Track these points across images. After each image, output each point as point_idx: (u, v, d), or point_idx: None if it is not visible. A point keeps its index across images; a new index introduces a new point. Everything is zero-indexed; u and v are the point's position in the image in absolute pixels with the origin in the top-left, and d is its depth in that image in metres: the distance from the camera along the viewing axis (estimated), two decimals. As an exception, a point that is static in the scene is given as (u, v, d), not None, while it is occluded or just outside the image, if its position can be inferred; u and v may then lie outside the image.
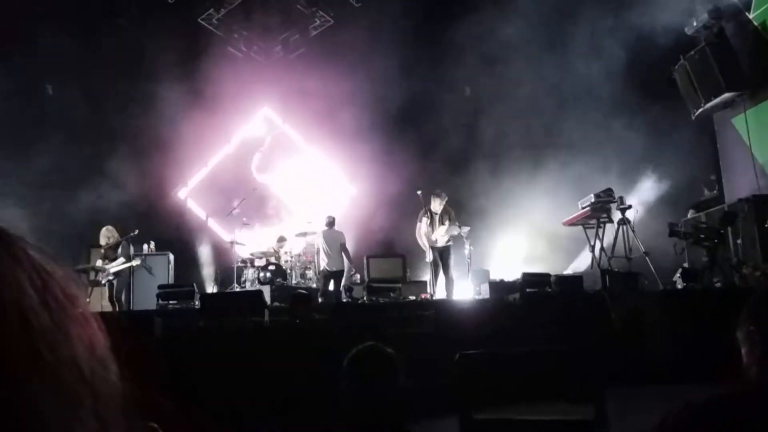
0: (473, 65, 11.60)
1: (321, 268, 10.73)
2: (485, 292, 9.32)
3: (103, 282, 9.64)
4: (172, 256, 11.45)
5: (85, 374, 0.52)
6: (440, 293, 9.52)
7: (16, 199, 10.85)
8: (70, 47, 11.03)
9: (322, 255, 10.58)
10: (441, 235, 9.46)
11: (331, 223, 10.65)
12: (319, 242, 10.68)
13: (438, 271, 9.47)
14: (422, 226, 9.45)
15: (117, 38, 11.84)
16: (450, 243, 9.63)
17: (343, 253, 10.38)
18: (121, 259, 9.52)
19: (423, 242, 9.50)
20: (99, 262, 9.69)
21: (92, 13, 11.77)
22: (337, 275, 10.39)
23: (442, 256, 9.52)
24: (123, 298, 9.65)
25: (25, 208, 10.72)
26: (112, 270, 9.46)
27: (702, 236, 8.82)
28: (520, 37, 10.86)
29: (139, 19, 12.18)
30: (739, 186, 10.23)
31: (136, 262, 9.79)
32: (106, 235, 9.69)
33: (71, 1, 11.49)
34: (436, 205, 9.39)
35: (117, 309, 9.54)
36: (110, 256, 9.64)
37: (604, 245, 9.34)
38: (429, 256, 9.47)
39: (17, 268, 0.51)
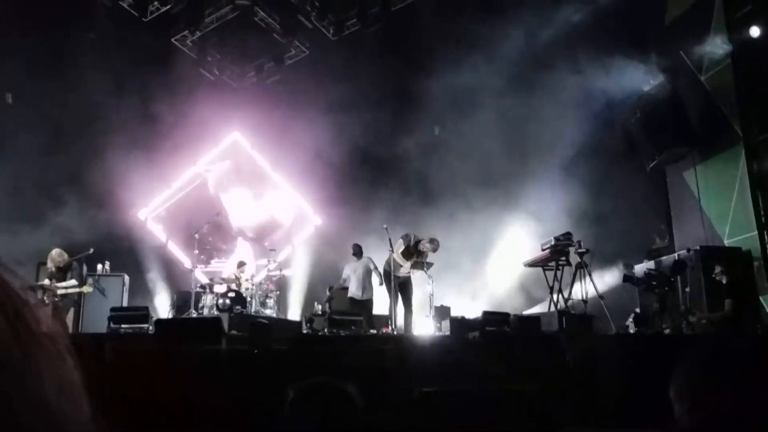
0: (444, 106, 11.94)
1: (349, 296, 10.66)
2: (446, 329, 9.46)
3: (47, 302, 9.41)
4: (127, 278, 11.28)
5: (55, 417, 0.48)
6: (399, 322, 9.72)
7: None
8: (35, 58, 10.93)
9: (352, 283, 10.59)
10: (408, 268, 9.70)
11: (357, 252, 10.75)
12: (349, 272, 10.70)
13: (397, 300, 9.66)
14: (398, 249, 9.67)
15: (86, 53, 11.74)
16: (410, 274, 9.86)
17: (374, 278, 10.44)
18: (73, 281, 9.31)
19: (398, 260, 9.73)
20: (47, 281, 9.48)
21: (61, 25, 11.68)
22: (365, 304, 10.43)
23: (404, 287, 9.71)
24: (70, 320, 9.46)
25: None
26: (60, 292, 9.23)
27: (653, 283, 9.20)
28: (488, 84, 11.27)
29: (111, 35, 12.13)
30: (688, 236, 10.75)
31: (88, 289, 9.59)
32: (57, 260, 9.34)
33: (41, 10, 11.38)
34: (425, 250, 9.69)
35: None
36: (59, 277, 9.43)
37: (562, 287, 9.62)
38: (406, 266, 9.68)
39: None
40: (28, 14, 11.00)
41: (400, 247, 9.80)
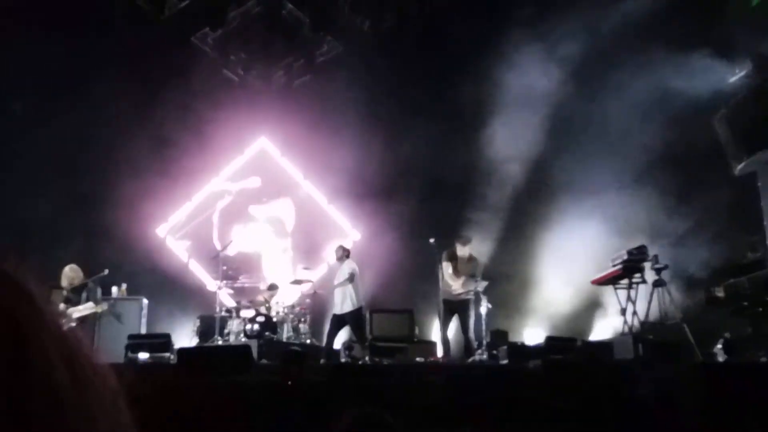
0: (496, 108, 11.95)
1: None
2: (503, 357, 9.44)
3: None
4: (145, 302, 11.54)
5: None
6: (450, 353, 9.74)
7: None
8: (45, 64, 11.30)
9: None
10: (460, 286, 9.73)
11: (341, 257, 10.95)
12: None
13: (448, 326, 9.68)
14: (446, 270, 9.74)
15: (98, 56, 12.10)
16: (471, 296, 9.89)
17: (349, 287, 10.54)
18: (89, 304, 9.60)
19: (450, 281, 9.78)
20: (61, 306, 9.80)
21: (71, 28, 12.04)
22: (346, 319, 10.52)
23: (460, 310, 9.73)
24: None
25: None
26: (75, 315, 9.52)
27: (745, 303, 8.99)
28: (544, 84, 11.28)
29: (125, 36, 12.51)
30: (786, 248, 10.44)
31: (101, 308, 9.87)
32: (70, 275, 9.69)
33: (49, 10, 11.76)
34: (464, 251, 9.71)
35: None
36: (74, 299, 9.72)
37: (637, 309, 9.49)
38: (457, 285, 9.71)
39: (43, 333, 0.52)
40: (33, 17, 11.36)
41: (447, 267, 9.85)
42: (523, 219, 12.06)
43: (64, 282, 9.58)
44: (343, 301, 10.56)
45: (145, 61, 12.28)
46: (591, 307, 11.37)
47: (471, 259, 10.04)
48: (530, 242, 11.87)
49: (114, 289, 11.30)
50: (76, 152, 12.05)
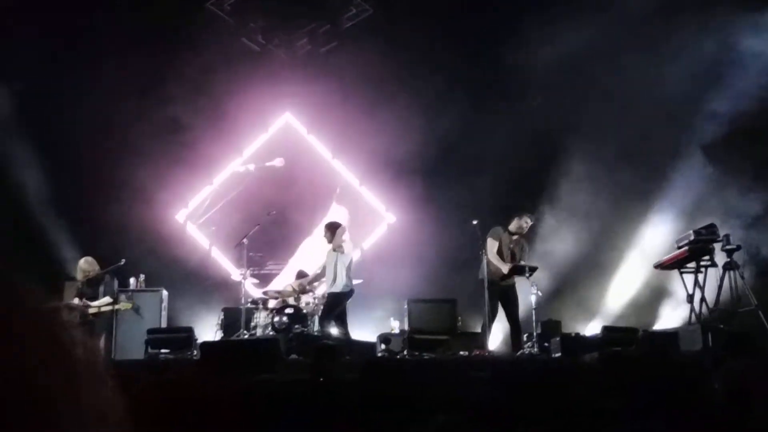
0: (543, 69, 11.81)
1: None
2: (555, 350, 9.41)
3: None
4: (165, 294, 11.71)
5: None
6: (496, 343, 9.73)
7: None
8: (47, 40, 11.44)
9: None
10: (507, 268, 9.71)
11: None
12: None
13: (495, 315, 9.66)
14: (490, 249, 9.71)
15: (105, 30, 12.13)
16: (514, 280, 9.87)
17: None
18: (106, 298, 9.81)
19: (497, 262, 9.74)
20: (75, 300, 10.02)
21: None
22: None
23: (506, 297, 9.71)
24: (102, 344, 9.96)
25: None
26: (92, 310, 9.75)
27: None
28: (601, 46, 11.10)
29: (133, 4, 12.55)
30: None
31: (125, 306, 10.07)
32: (85, 268, 9.93)
33: None
34: (516, 228, 9.69)
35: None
36: (89, 292, 9.95)
37: (706, 295, 9.36)
38: (505, 268, 9.67)
39: (29, 335, 0.56)
40: None
41: (492, 246, 9.79)
42: (575, 197, 11.92)
43: (79, 275, 9.84)
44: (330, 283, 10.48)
45: (156, 32, 12.35)
46: (654, 294, 11.25)
47: (519, 242, 9.97)
48: (584, 223, 11.73)
49: (132, 280, 11.49)
50: (85, 135, 12.20)
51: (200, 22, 13.04)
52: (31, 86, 12.04)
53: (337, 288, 10.36)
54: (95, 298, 9.79)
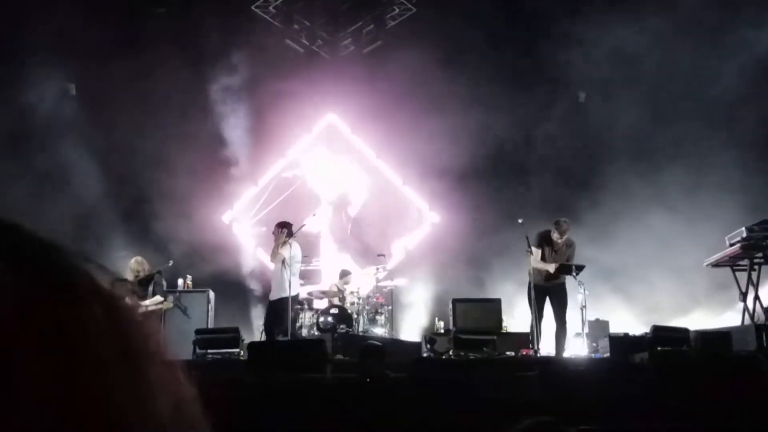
0: (590, 67, 11.71)
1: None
2: (604, 350, 9.32)
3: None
4: (212, 294, 11.87)
5: None
6: (543, 343, 9.66)
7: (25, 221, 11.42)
8: (98, 41, 11.58)
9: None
10: (553, 268, 9.66)
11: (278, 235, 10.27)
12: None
13: (542, 314, 9.60)
14: (535, 256, 9.68)
15: (155, 31, 12.39)
16: (563, 279, 9.80)
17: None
18: (157, 297, 10.01)
19: (540, 266, 9.72)
20: (126, 300, 10.24)
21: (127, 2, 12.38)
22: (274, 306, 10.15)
23: (555, 297, 9.65)
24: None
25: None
26: (141, 310, 9.97)
27: None
28: (650, 37, 10.96)
29: (183, 7, 12.76)
30: None
31: (167, 305, 10.25)
32: (136, 268, 10.15)
33: None
34: (558, 236, 9.65)
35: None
36: (139, 292, 10.16)
37: (760, 293, 9.20)
38: (551, 268, 9.64)
39: (96, 333, 0.54)
40: None
41: (537, 254, 9.76)
42: (624, 195, 11.80)
43: (130, 275, 10.03)
44: (278, 288, 10.15)
45: (203, 33, 12.53)
46: (705, 293, 11.06)
47: (568, 244, 9.91)
48: (633, 220, 11.59)
49: (179, 281, 11.66)
50: (132, 137, 12.42)
51: (245, 23, 13.18)
52: (83, 91, 12.33)
53: (285, 293, 10.04)
54: (145, 297, 9.98)
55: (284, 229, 10.15)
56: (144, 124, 12.49)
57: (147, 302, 9.89)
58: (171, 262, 10.77)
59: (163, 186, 12.25)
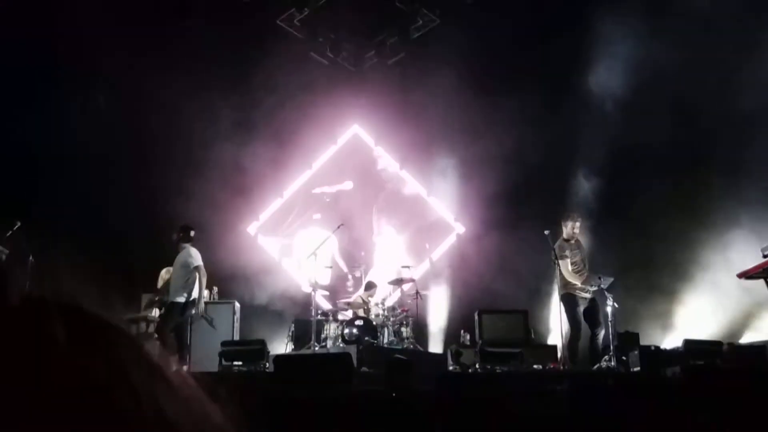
0: (622, 70, 11.61)
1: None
2: (634, 363, 9.18)
3: (156, 335, 10.27)
4: (237, 306, 11.88)
5: None
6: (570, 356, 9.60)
7: (51, 236, 11.40)
8: (122, 52, 11.58)
9: None
10: (580, 281, 9.58)
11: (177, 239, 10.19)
12: None
13: (579, 327, 9.52)
14: (567, 265, 9.60)
15: (178, 44, 12.45)
16: (591, 293, 9.75)
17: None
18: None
19: (570, 278, 9.60)
20: (155, 312, 10.33)
21: (149, 13, 12.39)
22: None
23: (591, 309, 9.58)
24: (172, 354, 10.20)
25: (58, 245, 11.26)
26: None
27: None
28: (698, 34, 10.85)
29: (208, 20, 12.84)
30: None
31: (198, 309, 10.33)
32: (166, 278, 10.33)
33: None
34: (569, 234, 9.57)
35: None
36: (166, 304, 10.27)
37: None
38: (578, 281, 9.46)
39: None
40: (111, 6, 11.73)
41: (566, 265, 9.68)
42: (653, 207, 11.68)
43: (160, 284, 10.17)
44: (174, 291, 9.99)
45: (229, 47, 12.62)
46: (738, 305, 10.88)
47: (578, 245, 9.83)
48: (663, 233, 11.45)
49: (205, 292, 11.68)
50: (157, 147, 12.49)
51: (270, 37, 13.26)
52: (108, 95, 12.44)
53: (182, 297, 9.95)
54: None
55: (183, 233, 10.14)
56: (169, 133, 12.54)
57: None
58: (196, 274, 10.84)
59: (189, 197, 12.27)
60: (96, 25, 11.09)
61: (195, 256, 9.97)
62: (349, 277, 12.58)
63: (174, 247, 10.15)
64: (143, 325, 10.38)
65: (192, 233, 10.20)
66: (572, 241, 10.04)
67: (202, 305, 9.91)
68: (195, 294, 9.94)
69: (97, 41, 11.28)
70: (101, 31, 11.21)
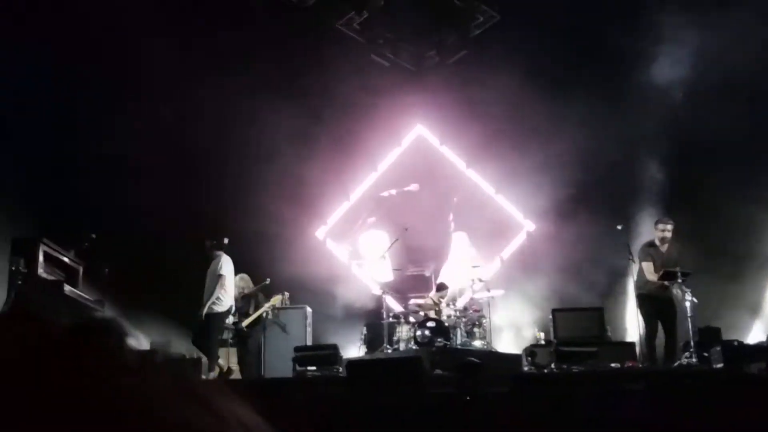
0: (688, 57, 11.29)
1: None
2: (716, 360, 8.90)
3: (232, 341, 10.49)
4: (309, 310, 12.00)
5: None
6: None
7: (122, 249, 11.61)
8: (181, 58, 11.75)
9: None
10: (657, 278, 9.38)
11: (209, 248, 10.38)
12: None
13: (656, 329, 9.32)
14: (646, 269, 9.44)
15: (237, 50, 12.56)
16: (671, 291, 9.56)
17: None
18: (262, 308, 10.44)
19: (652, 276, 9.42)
20: (229, 319, 10.56)
21: (208, 18, 12.55)
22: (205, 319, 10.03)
23: (666, 309, 9.38)
24: (252, 360, 10.45)
25: (130, 258, 11.53)
26: (245, 324, 10.31)
27: None
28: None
29: (265, 27, 12.99)
30: None
31: (275, 300, 10.79)
32: (241, 285, 10.57)
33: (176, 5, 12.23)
34: (659, 239, 9.39)
35: (246, 374, 10.34)
36: (243, 308, 10.50)
37: None
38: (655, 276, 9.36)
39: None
40: (171, 11, 11.85)
41: (648, 267, 9.49)
42: (731, 199, 11.32)
43: (235, 291, 10.40)
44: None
45: (289, 52, 12.76)
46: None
47: (671, 248, 9.60)
48: (743, 225, 11.09)
49: (272, 297, 11.86)
50: (224, 155, 12.73)
51: (329, 41, 13.35)
52: (164, 101, 12.69)
53: (222, 307, 10.13)
54: (248, 313, 10.34)
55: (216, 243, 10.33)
56: (231, 139, 12.75)
57: (251, 318, 10.45)
58: (268, 280, 11.05)
59: (255, 203, 12.46)
60: (153, 35, 11.31)
61: (224, 265, 10.19)
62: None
63: (208, 254, 10.35)
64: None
65: (225, 240, 10.40)
66: (660, 246, 9.80)
67: (205, 309, 10.00)
68: (231, 302, 10.20)
69: (154, 53, 11.49)
70: (158, 43, 11.39)
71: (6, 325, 0.60)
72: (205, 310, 9.93)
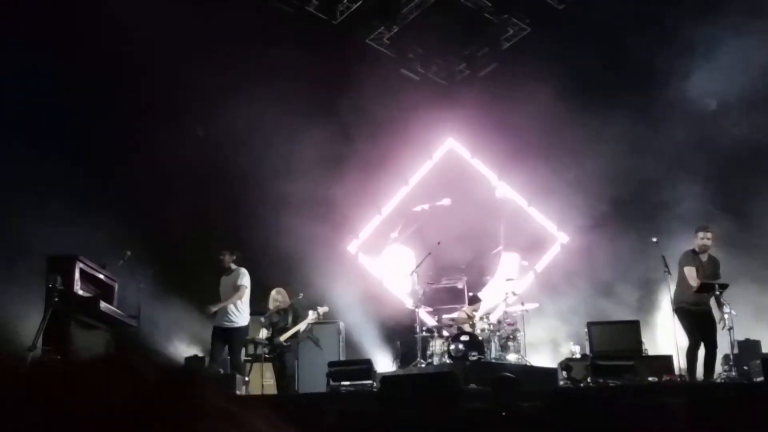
0: (724, 68, 11.20)
1: None
2: (756, 373, 8.75)
3: (269, 355, 10.54)
4: (342, 325, 12.03)
5: None
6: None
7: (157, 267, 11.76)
8: (214, 75, 11.85)
9: None
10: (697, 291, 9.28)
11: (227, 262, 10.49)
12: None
13: (698, 341, 9.20)
14: (692, 272, 9.33)
15: (269, 66, 12.64)
16: (710, 307, 9.43)
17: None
18: (297, 327, 10.45)
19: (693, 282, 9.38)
20: (263, 333, 10.61)
21: (240, 35, 12.65)
22: (227, 334, 10.18)
23: (706, 322, 9.26)
24: (289, 375, 10.48)
25: (163, 270, 11.65)
26: (283, 338, 10.38)
27: None
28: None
29: (296, 43, 13.09)
30: None
31: (312, 317, 10.71)
32: (278, 299, 10.66)
33: (214, 21, 12.22)
34: (700, 247, 9.29)
35: (284, 389, 10.38)
36: (280, 322, 10.54)
37: None
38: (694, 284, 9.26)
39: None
40: (197, 37, 12.07)
41: (691, 272, 9.36)
42: (764, 204, 11.18)
43: (271, 304, 10.57)
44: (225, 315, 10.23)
45: (320, 68, 12.82)
46: None
47: (710, 260, 9.48)
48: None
49: (309, 313, 11.87)
50: (256, 171, 12.81)
51: (362, 56, 13.44)
52: (197, 119, 12.86)
53: (244, 321, 10.33)
54: (285, 328, 10.38)
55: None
56: (264, 155, 12.82)
57: (288, 333, 10.37)
58: (301, 295, 11.08)
59: (288, 219, 12.53)
60: (186, 57, 11.48)
61: (243, 278, 10.35)
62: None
63: (225, 267, 10.49)
64: (251, 347, 10.64)
65: (238, 254, 10.60)
66: (701, 255, 9.66)
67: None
68: (249, 316, 10.40)
69: (191, 74, 11.62)
70: (194, 64, 11.54)
71: (107, 369, 0.63)
72: (226, 323, 10.14)
